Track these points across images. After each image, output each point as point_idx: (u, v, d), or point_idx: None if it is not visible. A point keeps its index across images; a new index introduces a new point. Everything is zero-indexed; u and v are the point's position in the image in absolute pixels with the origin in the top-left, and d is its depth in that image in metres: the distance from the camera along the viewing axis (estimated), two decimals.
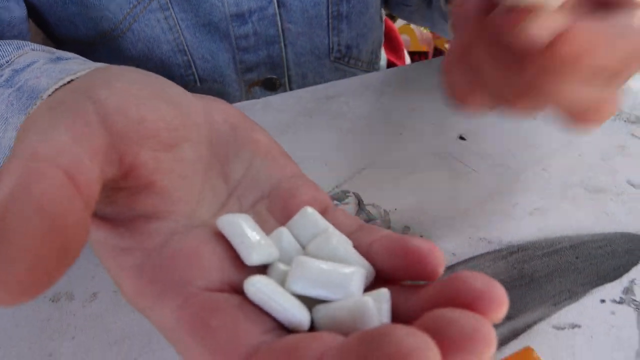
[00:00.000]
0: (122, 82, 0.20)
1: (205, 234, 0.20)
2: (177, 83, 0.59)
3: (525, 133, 0.42)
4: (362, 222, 0.22)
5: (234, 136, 0.24)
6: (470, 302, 0.15)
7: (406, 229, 0.34)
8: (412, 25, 1.20)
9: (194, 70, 0.52)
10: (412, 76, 0.50)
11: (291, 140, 0.42)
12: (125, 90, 0.20)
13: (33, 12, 0.49)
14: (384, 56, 0.68)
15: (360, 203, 0.36)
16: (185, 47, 0.50)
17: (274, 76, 0.54)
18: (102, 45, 0.50)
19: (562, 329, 0.28)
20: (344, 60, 0.58)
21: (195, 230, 0.20)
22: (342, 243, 0.19)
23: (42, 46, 0.33)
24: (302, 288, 0.17)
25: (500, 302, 0.15)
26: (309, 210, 0.21)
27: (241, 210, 0.22)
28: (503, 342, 0.28)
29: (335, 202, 0.36)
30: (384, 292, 0.17)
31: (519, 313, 0.29)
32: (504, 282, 0.30)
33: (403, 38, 1.19)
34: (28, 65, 0.29)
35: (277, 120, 0.44)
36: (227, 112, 0.24)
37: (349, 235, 0.20)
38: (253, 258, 0.18)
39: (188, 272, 0.18)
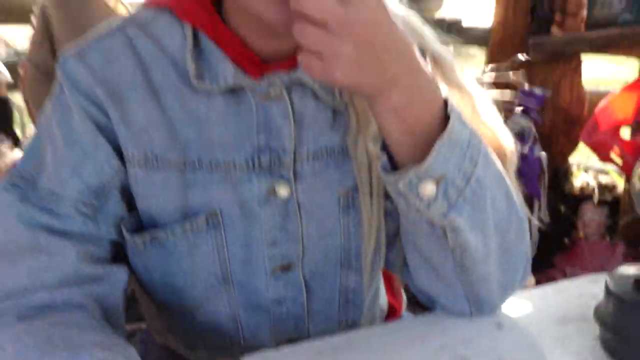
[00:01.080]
0: None
1: None
2: (226, 342, 0.73)
3: None
4: None
5: None
6: None
7: None
8: None
9: (241, 335, 0.67)
10: (385, 338, 0.60)
11: None
12: None
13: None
14: (384, 299, 0.79)
15: None
16: (239, 321, 0.66)
17: (296, 335, 0.68)
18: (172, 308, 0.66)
19: None
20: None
21: None
22: None
23: None
24: None
25: None
26: None
27: None
28: None
29: None
30: None
31: None
32: None
33: None
34: None
35: None
36: None
37: None
38: None
39: None
